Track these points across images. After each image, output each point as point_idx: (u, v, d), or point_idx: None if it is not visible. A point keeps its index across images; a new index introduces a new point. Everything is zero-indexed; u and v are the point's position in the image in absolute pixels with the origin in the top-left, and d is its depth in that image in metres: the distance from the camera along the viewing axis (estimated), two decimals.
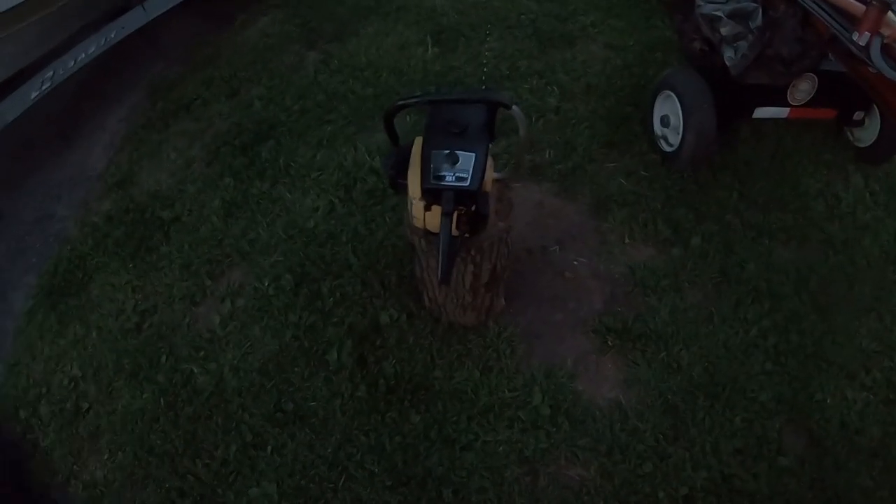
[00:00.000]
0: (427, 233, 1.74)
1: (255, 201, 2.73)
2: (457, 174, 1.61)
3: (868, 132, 2.73)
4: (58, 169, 3.21)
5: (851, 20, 1.97)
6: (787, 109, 2.55)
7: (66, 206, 3.04)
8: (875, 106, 2.60)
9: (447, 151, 1.62)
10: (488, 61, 3.30)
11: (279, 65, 3.47)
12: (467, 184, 1.61)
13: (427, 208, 1.67)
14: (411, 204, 1.71)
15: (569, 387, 2.08)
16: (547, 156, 2.74)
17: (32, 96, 2.99)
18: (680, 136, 2.56)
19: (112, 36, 3.30)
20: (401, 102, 1.69)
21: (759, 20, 2.28)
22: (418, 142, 1.74)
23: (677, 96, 2.55)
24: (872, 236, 2.60)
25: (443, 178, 1.62)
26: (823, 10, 2.06)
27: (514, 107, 1.66)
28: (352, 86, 3.26)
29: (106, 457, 2.11)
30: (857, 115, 2.69)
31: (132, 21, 3.37)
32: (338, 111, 3.11)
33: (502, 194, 1.90)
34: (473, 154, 1.62)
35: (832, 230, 2.59)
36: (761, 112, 2.55)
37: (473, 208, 1.67)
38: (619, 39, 3.41)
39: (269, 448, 2.02)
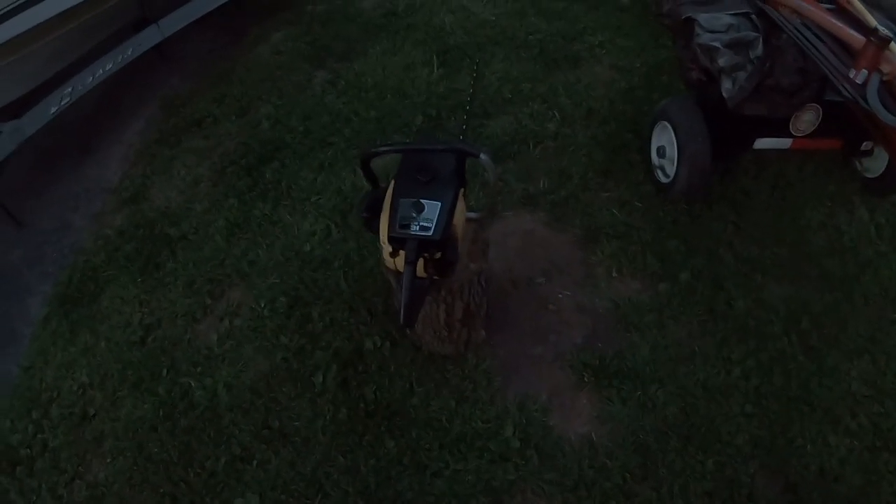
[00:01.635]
0: (398, 273, 1.90)
1: (257, 223, 2.93)
2: (421, 223, 1.75)
3: (877, 162, 2.72)
4: (76, 180, 3.49)
5: (849, 55, 1.97)
6: (790, 140, 2.57)
7: (83, 217, 3.31)
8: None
9: (413, 200, 1.77)
10: (491, 84, 3.44)
11: (288, 84, 3.68)
12: (430, 233, 1.75)
13: (394, 254, 1.83)
14: (381, 248, 1.87)
15: (541, 420, 2.21)
16: (541, 185, 2.87)
17: (52, 111, 3.26)
18: (675, 167, 2.64)
19: (128, 53, 3.56)
20: (374, 150, 1.86)
21: (759, 50, 2.31)
22: (392, 186, 1.90)
23: (672, 127, 2.63)
24: (873, 273, 2.60)
25: (407, 226, 1.77)
26: (816, 46, 2.06)
27: (482, 155, 1.80)
28: (356, 107, 3.44)
29: (108, 460, 2.32)
30: (866, 146, 2.68)
31: (147, 39, 3.64)
32: (340, 133, 3.30)
33: (477, 235, 2.04)
34: (439, 203, 1.77)
35: (830, 266, 2.61)
36: (762, 143, 2.58)
37: (439, 255, 1.82)
38: (625, 60, 3.50)
39: (255, 462, 2.21)
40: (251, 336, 2.51)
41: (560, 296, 2.52)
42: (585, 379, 2.29)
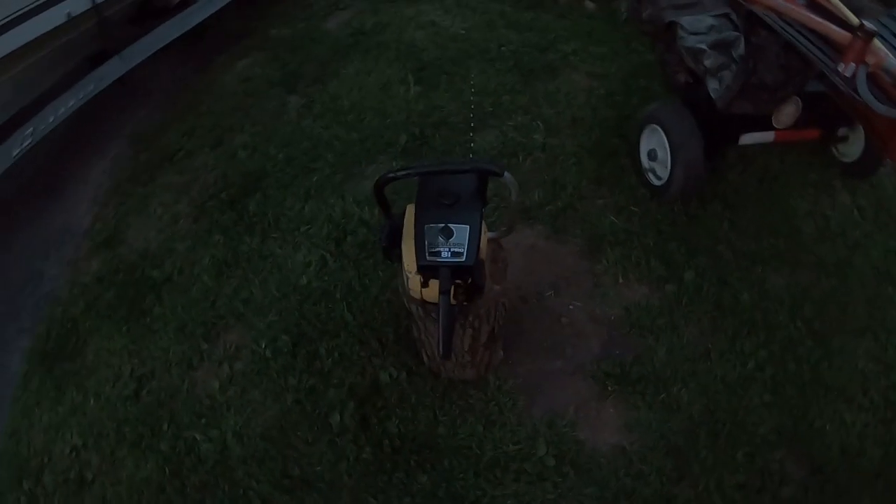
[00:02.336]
0: (424, 302, 1.82)
1: (246, 258, 2.80)
2: (452, 249, 1.69)
3: (853, 147, 2.82)
4: (44, 226, 3.28)
5: (835, 49, 2.02)
6: (773, 133, 2.64)
7: (55, 265, 3.10)
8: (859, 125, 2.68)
9: (441, 225, 1.71)
10: (471, 99, 3.40)
11: (261, 111, 3.56)
12: (464, 258, 1.69)
13: (424, 283, 1.75)
14: (407, 278, 1.79)
15: (571, 435, 2.17)
16: (536, 197, 2.84)
17: (14, 154, 3.07)
18: (668, 169, 2.66)
19: (90, 88, 3.38)
20: (390, 175, 1.78)
21: (741, 49, 2.35)
22: (410, 210, 1.82)
23: (664, 131, 2.65)
24: (863, 255, 2.70)
25: (438, 253, 1.70)
26: (807, 40, 2.10)
27: (505, 174, 1.74)
28: (336, 131, 3.35)
29: None
30: (842, 132, 2.79)
31: (109, 72, 3.46)
32: (323, 158, 3.20)
33: (496, 255, 1.99)
34: (467, 226, 1.71)
35: (823, 252, 2.69)
36: (747, 138, 2.64)
37: (469, 280, 1.75)
38: (601, 67, 3.53)
39: None
40: (256, 380, 2.38)
41: (571, 307, 2.49)
42: (609, 388, 2.26)
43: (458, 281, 1.73)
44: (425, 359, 2.22)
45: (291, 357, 2.41)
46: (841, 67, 1.98)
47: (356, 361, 2.34)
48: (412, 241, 1.75)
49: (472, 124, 3.16)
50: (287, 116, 3.53)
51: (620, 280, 2.56)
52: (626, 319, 2.45)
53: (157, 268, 2.88)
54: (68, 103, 3.27)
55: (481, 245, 1.76)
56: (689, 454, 2.15)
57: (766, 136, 2.64)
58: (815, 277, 2.61)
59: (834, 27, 2.06)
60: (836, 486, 2.10)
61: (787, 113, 2.59)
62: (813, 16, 2.12)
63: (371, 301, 2.51)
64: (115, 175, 3.48)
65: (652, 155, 2.77)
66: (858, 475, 2.12)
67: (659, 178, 2.78)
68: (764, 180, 2.93)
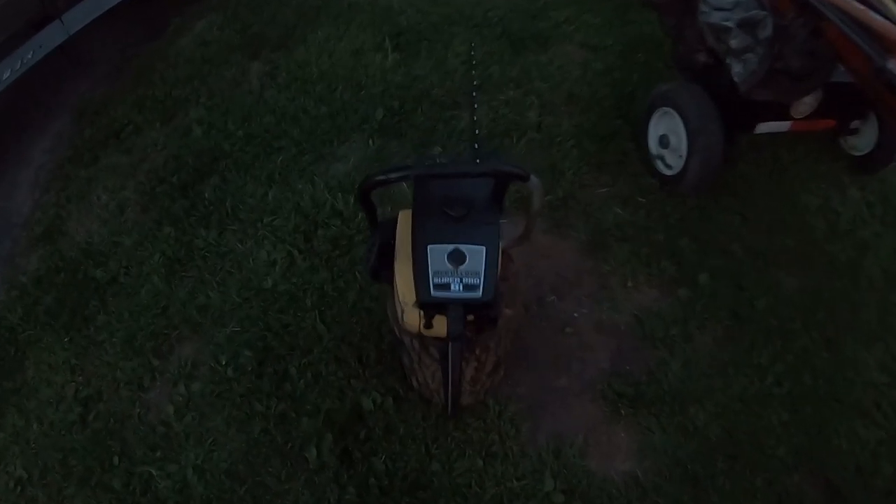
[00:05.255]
0: (422, 337, 1.41)
1: (201, 256, 2.32)
2: (464, 280, 1.26)
3: (864, 140, 2.52)
4: None
5: (885, 46, 1.73)
6: (789, 123, 2.32)
7: None
8: (873, 114, 2.40)
9: (450, 247, 1.27)
10: (456, 69, 2.93)
11: (219, 80, 3.00)
12: (479, 294, 1.26)
13: (426, 322, 1.33)
14: (402, 310, 1.37)
15: (580, 465, 1.82)
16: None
17: None
18: (683, 159, 2.28)
19: (29, 57, 2.81)
20: (380, 178, 1.29)
21: (768, 30, 2.00)
22: (405, 218, 1.38)
23: (681, 116, 2.26)
24: (873, 255, 2.40)
25: (447, 286, 1.26)
26: (854, 32, 1.80)
27: (532, 178, 1.32)
28: (303, 103, 2.84)
29: None
30: (854, 124, 2.49)
31: (50, 38, 2.88)
32: (289, 136, 2.70)
33: (507, 270, 1.56)
34: (482, 248, 1.27)
35: (834, 251, 2.38)
36: (763, 127, 2.32)
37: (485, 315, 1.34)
38: (596, 38, 3.08)
39: None
40: (216, 404, 1.95)
41: (576, 315, 2.11)
42: (622, 412, 1.91)
43: (470, 317, 1.32)
44: (415, 384, 1.83)
45: (257, 377, 1.98)
46: (891, 64, 1.71)
47: (333, 384, 1.93)
48: (408, 263, 1.30)
49: (475, 95, 2.67)
50: (248, 86, 2.99)
51: (629, 283, 2.19)
52: (636, 329, 2.09)
53: (101, 266, 2.38)
54: (4, 74, 2.72)
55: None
56: (707, 482, 1.84)
57: (782, 126, 2.32)
58: (826, 279, 2.30)
59: (889, 24, 1.75)
60: None
61: (807, 103, 2.28)
62: (868, 11, 1.80)
63: (348, 309, 2.08)
64: (57, 155, 2.91)
65: (663, 141, 2.38)
66: (873, 495, 1.89)
67: (669, 166, 2.40)
68: (774, 171, 2.57)
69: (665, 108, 2.34)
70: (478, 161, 2.38)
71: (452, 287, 1.26)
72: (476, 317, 1.33)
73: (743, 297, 2.19)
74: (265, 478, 1.81)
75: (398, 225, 1.38)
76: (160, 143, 2.78)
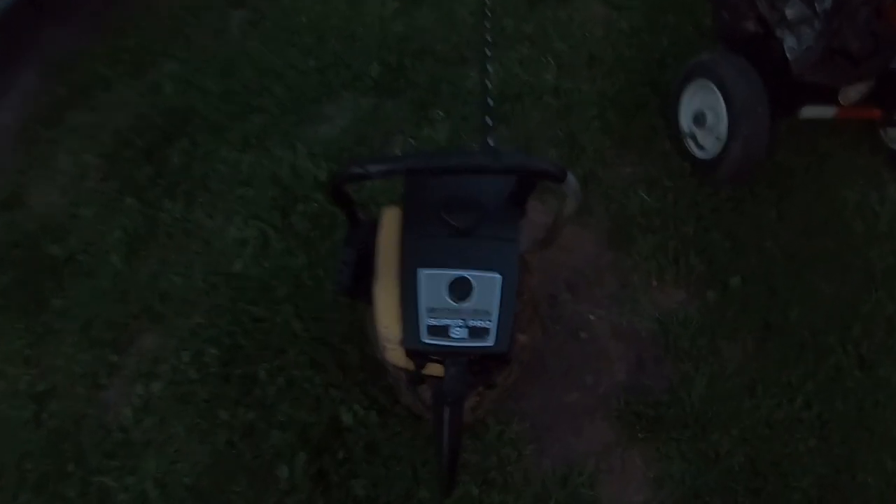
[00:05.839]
0: (410, 372, 1.11)
1: (166, 232, 2.02)
2: (470, 322, 0.92)
3: None
4: None
5: None
6: (835, 109, 2.01)
7: None
8: None
9: (452, 275, 0.93)
10: (464, 20, 2.55)
11: (198, 30, 2.63)
12: (491, 342, 0.93)
13: (418, 374, 1.02)
14: (384, 347, 1.06)
15: (589, 496, 1.58)
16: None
17: None
18: (721, 142, 1.95)
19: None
20: (357, 171, 0.90)
21: (828, 2, 1.69)
22: (390, 218, 1.06)
23: (723, 92, 1.91)
24: None
25: (445, 330, 0.93)
26: None
27: (569, 177, 0.97)
28: (289, 56, 2.47)
29: None
30: None
31: None
32: (270, 93, 2.35)
33: (522, 285, 1.22)
34: (497, 276, 0.93)
35: (872, 256, 2.07)
36: (808, 112, 2.00)
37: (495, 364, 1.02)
38: None
39: None
40: (178, 409, 1.68)
41: (592, 318, 1.83)
42: (640, 435, 1.65)
43: (476, 368, 0.99)
44: (402, 400, 1.56)
45: (222, 380, 1.70)
46: None
47: (308, 392, 1.65)
48: (393, 286, 0.99)
49: (488, 54, 2.29)
50: (228, 36, 2.61)
51: (654, 282, 1.90)
52: (659, 337, 1.81)
53: (59, 242, 2.07)
54: None
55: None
56: None
57: (827, 112, 2.01)
58: (863, 289, 2.00)
59: None
60: None
61: (858, 89, 1.98)
62: None
63: (328, 304, 1.79)
64: (24, 114, 2.56)
65: (698, 119, 2.04)
66: None
67: (702, 147, 2.07)
68: (812, 162, 2.24)
69: (703, 81, 2.00)
70: (493, 148, 1.98)
71: (453, 332, 0.92)
72: (482, 368, 1.01)
73: (776, 305, 1.90)
74: (232, 496, 1.57)
75: (381, 229, 1.06)
76: (128, 101, 2.42)
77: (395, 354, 1.03)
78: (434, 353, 0.95)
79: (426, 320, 0.94)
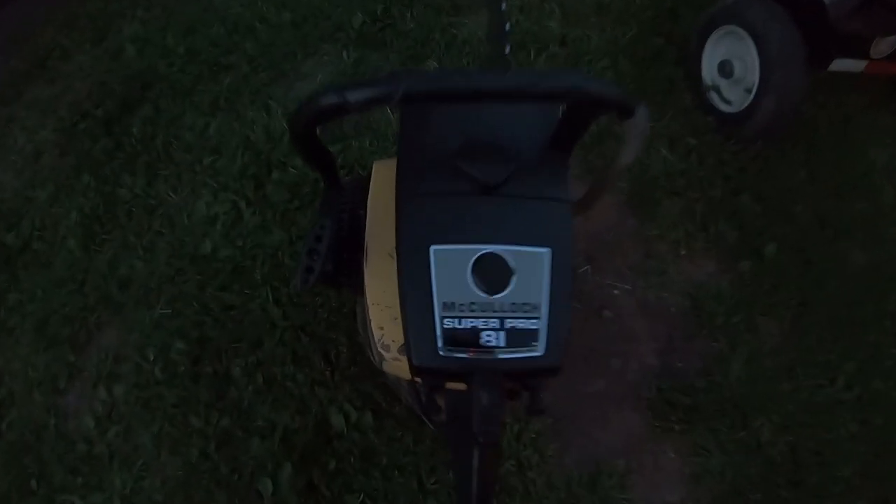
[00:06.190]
0: (412, 382, 0.84)
1: (125, 211, 1.77)
2: (508, 322, 0.63)
3: None
4: None
5: None
6: (865, 63, 1.82)
7: None
8: None
9: (479, 254, 0.64)
10: None
11: None
12: (541, 351, 0.64)
13: (430, 389, 0.71)
14: (379, 355, 0.79)
15: (621, 499, 1.37)
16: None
17: None
18: (751, 94, 1.72)
19: None
20: (330, 101, 0.63)
21: None
22: (384, 176, 0.78)
23: (754, 39, 1.68)
24: None
25: (473, 337, 0.64)
26: None
27: (640, 109, 0.70)
28: (261, 9, 2.21)
29: None
30: None
31: None
32: (240, 50, 2.09)
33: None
34: (546, 251, 0.65)
35: None
36: (839, 64, 1.80)
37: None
38: None
39: None
40: (143, 415, 1.45)
41: (616, 292, 1.61)
42: (676, 428, 1.44)
43: (515, 386, 0.69)
44: (404, 400, 1.33)
45: (192, 381, 1.46)
46: None
47: (291, 391, 1.42)
48: (389, 271, 0.70)
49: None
50: None
51: (682, 251, 1.67)
52: (690, 313, 1.59)
53: (13, 229, 1.84)
54: None
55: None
56: None
57: (858, 65, 1.83)
58: (894, 257, 1.80)
59: None
60: None
61: (889, 41, 1.77)
62: None
63: (310, 288, 1.55)
64: None
65: (724, 69, 1.80)
66: None
67: (727, 101, 1.84)
68: (840, 120, 2.02)
69: (731, 27, 1.76)
70: (529, 69, 1.52)
71: (484, 337, 0.64)
72: (524, 386, 0.69)
73: (811, 276, 1.69)
74: None
75: (371, 188, 0.80)
76: (87, 68, 2.16)
77: (397, 366, 0.76)
78: (456, 372, 0.66)
79: (443, 322, 0.64)
